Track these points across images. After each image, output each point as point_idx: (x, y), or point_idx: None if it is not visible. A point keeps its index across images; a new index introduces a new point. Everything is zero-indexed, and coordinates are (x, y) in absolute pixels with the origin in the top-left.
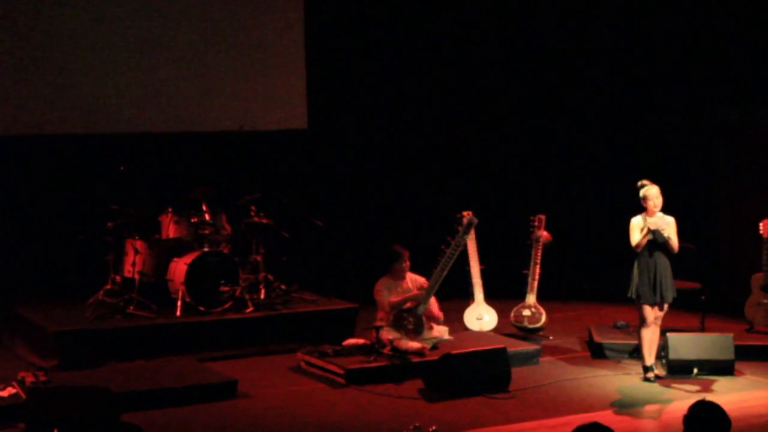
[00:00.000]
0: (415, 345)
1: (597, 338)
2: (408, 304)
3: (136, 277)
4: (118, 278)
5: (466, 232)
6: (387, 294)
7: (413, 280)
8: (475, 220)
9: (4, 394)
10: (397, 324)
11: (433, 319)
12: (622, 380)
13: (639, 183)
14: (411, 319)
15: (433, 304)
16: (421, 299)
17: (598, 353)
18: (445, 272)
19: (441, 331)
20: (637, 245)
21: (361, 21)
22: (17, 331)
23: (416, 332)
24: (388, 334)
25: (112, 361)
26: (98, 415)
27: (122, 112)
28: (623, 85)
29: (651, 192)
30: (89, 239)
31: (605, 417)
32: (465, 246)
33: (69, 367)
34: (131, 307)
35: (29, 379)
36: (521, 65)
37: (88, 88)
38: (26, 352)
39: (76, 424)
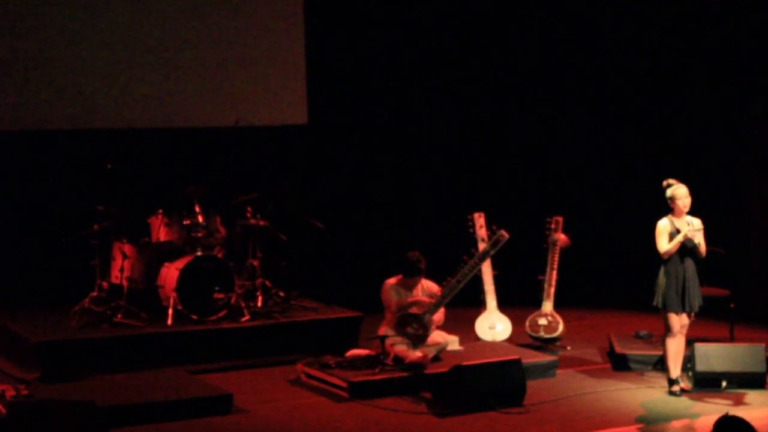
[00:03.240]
0: (416, 355)
1: (618, 349)
2: (415, 309)
3: (124, 283)
4: (104, 284)
5: (494, 248)
6: (395, 298)
7: (425, 288)
8: (506, 237)
9: None
10: (401, 328)
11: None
12: (645, 394)
13: (665, 182)
14: (416, 324)
15: (440, 314)
16: (430, 307)
17: (619, 365)
18: (462, 285)
19: (445, 338)
20: (667, 252)
21: (363, 11)
22: None
23: (420, 339)
24: (391, 342)
25: (98, 373)
26: (83, 430)
27: (110, 107)
28: (646, 79)
29: (679, 192)
30: (74, 242)
31: None
32: (477, 250)
33: (52, 380)
34: (119, 316)
35: (9, 392)
36: (534, 59)
37: (73, 82)
38: (6, 364)
39: None
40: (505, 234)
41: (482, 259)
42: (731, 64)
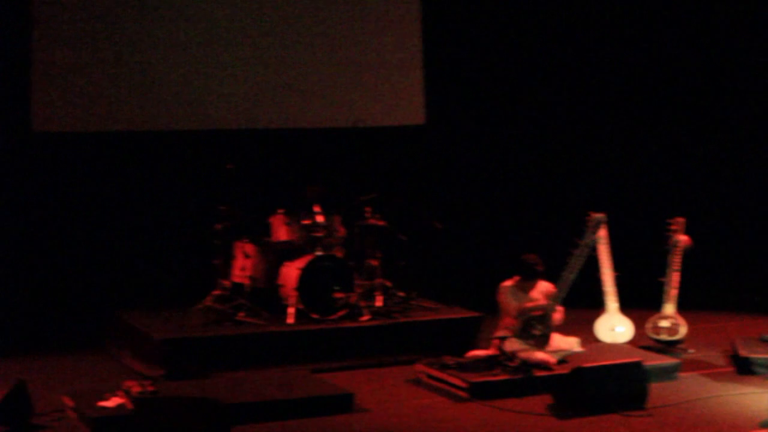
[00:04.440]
0: (541, 356)
1: (743, 352)
2: (536, 312)
3: (246, 282)
4: (226, 283)
5: (594, 232)
6: (513, 302)
7: (542, 289)
8: (604, 219)
9: (110, 404)
10: (525, 332)
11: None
12: None
13: None
14: (539, 326)
15: (559, 312)
16: (549, 308)
17: (744, 369)
18: (573, 276)
19: (570, 344)
20: None
21: (481, 8)
22: (121, 338)
23: (543, 341)
24: (513, 345)
25: (221, 370)
26: (207, 427)
27: (232, 108)
28: None
29: None
30: (196, 242)
31: None
32: (596, 251)
33: (176, 377)
34: (241, 314)
35: (136, 389)
36: (657, 57)
37: (196, 84)
38: (131, 361)
39: None
40: (600, 215)
41: (587, 245)
42: None
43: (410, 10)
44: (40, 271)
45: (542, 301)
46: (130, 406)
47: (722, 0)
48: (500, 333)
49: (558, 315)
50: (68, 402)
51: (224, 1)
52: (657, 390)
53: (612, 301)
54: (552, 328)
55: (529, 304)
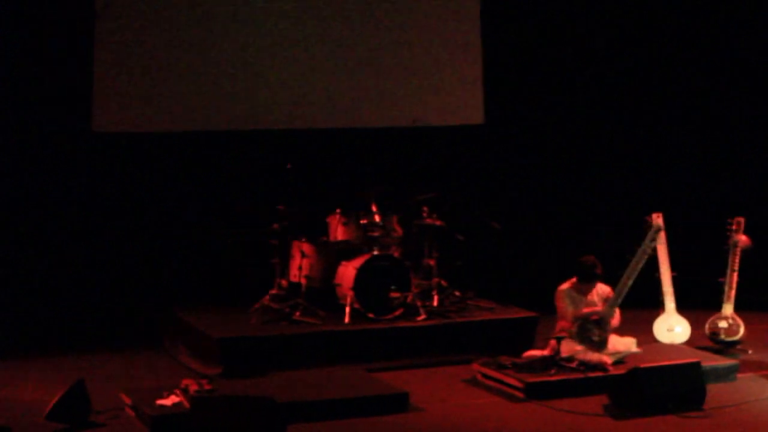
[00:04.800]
0: (598, 357)
1: None
2: (594, 316)
3: (303, 281)
4: (284, 283)
5: (653, 239)
6: (570, 305)
7: (599, 292)
8: (662, 225)
9: (168, 402)
10: (582, 336)
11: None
12: None
13: None
14: (596, 331)
15: (616, 317)
16: (606, 312)
17: None
18: (631, 281)
19: (628, 345)
20: None
21: (540, 7)
22: (179, 336)
23: (601, 345)
24: (570, 346)
25: (277, 369)
26: (263, 426)
27: (290, 108)
28: None
29: None
30: (254, 241)
31: None
32: (654, 251)
33: (233, 376)
34: (297, 313)
35: (193, 387)
36: (716, 57)
37: (255, 84)
38: (189, 359)
39: None
40: (659, 221)
41: (645, 251)
42: None
43: (470, 9)
44: (100, 270)
45: (599, 305)
46: (187, 404)
47: None
48: (557, 333)
49: (615, 319)
50: (126, 400)
51: (283, 3)
52: (715, 391)
53: (670, 302)
54: (609, 332)
55: (587, 310)
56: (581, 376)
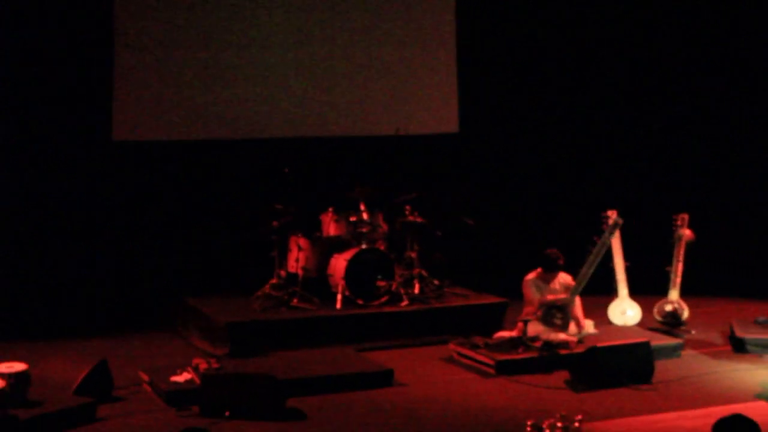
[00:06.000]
0: (563, 337)
1: (739, 333)
2: (556, 303)
3: (299, 272)
4: (282, 273)
5: (612, 233)
6: (536, 292)
7: (561, 281)
8: (621, 221)
9: (180, 379)
10: (546, 319)
11: (575, 320)
12: (764, 374)
13: None
14: (559, 314)
15: (578, 306)
16: (568, 300)
17: (739, 348)
18: (591, 271)
19: (587, 326)
20: None
21: (510, 31)
22: (191, 321)
23: (563, 328)
24: (536, 328)
25: (278, 350)
26: (265, 400)
27: (287, 118)
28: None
29: None
30: (256, 236)
31: (747, 409)
32: (609, 244)
33: (238, 356)
34: (295, 300)
35: (203, 366)
36: (667, 66)
37: (258, 98)
38: (199, 341)
39: (246, 408)
40: (617, 217)
41: (604, 244)
42: None
43: (446, 32)
44: (120, 263)
45: (562, 293)
46: (197, 381)
47: None
48: (524, 317)
49: (578, 311)
50: (144, 377)
51: (284, 27)
52: (662, 367)
53: (623, 288)
54: (570, 318)
55: (550, 297)
56: (545, 354)
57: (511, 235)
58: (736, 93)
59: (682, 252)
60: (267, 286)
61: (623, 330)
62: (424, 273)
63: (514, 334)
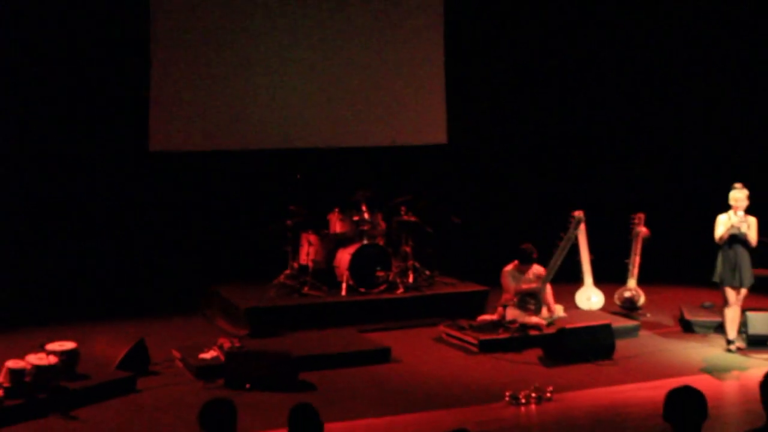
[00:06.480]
0: (535, 320)
1: (687, 316)
2: (530, 291)
3: (310, 264)
4: (295, 265)
5: (576, 228)
6: (512, 281)
7: (535, 271)
8: (583, 218)
9: (208, 356)
10: (522, 304)
11: (547, 305)
12: (708, 351)
13: (733, 185)
14: (533, 301)
15: (549, 292)
16: (540, 288)
17: (688, 328)
18: (559, 262)
19: (557, 310)
20: (720, 238)
21: (491, 60)
22: (216, 306)
23: (536, 311)
24: (513, 312)
25: (291, 331)
26: (281, 373)
27: (300, 132)
28: (719, 101)
29: (734, 194)
30: (273, 233)
31: (694, 381)
32: (576, 239)
33: (258, 336)
34: (306, 288)
35: (227, 344)
36: (627, 78)
37: (275, 113)
38: (224, 324)
39: (264, 381)
40: (580, 215)
41: (569, 239)
42: None
43: (435, 53)
44: (156, 256)
45: (535, 283)
46: (222, 357)
47: None
48: (503, 303)
49: (549, 296)
50: (176, 354)
51: (303, 57)
52: (622, 345)
53: (588, 277)
54: (542, 303)
55: (525, 285)
56: (521, 334)
57: (492, 232)
58: (679, 110)
59: (638, 246)
60: (282, 276)
61: (588, 313)
62: (417, 265)
63: (494, 317)
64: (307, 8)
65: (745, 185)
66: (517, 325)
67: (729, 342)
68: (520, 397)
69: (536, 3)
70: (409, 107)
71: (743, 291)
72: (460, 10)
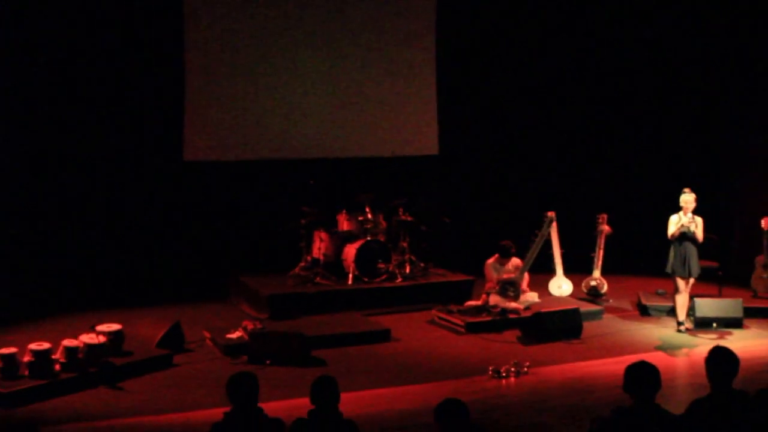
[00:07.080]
0: (514, 305)
1: (644, 301)
2: (510, 280)
3: (321, 257)
4: (309, 258)
5: (548, 226)
6: (494, 272)
7: (514, 263)
8: (554, 218)
9: (234, 336)
10: (503, 291)
11: (523, 292)
12: (661, 331)
13: (683, 190)
14: (512, 289)
15: (525, 279)
16: (518, 278)
17: (644, 312)
18: (534, 255)
19: (533, 297)
20: (672, 235)
21: (479, 79)
22: (240, 293)
23: (515, 298)
24: (495, 298)
25: (305, 315)
26: (296, 351)
27: (313, 143)
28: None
29: (684, 197)
30: (289, 231)
31: (650, 357)
32: (549, 235)
33: (277, 319)
34: (318, 278)
35: (250, 326)
36: (601, 86)
37: (292, 127)
38: (247, 308)
39: (282, 357)
40: (552, 215)
41: (543, 235)
42: (729, 107)
43: (427, 72)
44: (188, 250)
45: (513, 273)
46: (246, 337)
47: None
48: (486, 290)
49: (525, 284)
50: (207, 334)
51: (321, 76)
52: (588, 326)
53: (559, 268)
54: (520, 290)
55: (505, 276)
56: (502, 318)
57: (477, 230)
58: (639, 128)
59: (602, 242)
60: (297, 268)
61: (559, 299)
62: (413, 258)
63: (479, 303)
64: (326, 36)
65: (693, 190)
66: (498, 309)
67: (679, 324)
68: (502, 371)
69: (521, 18)
70: (407, 124)
71: (691, 280)
72: (451, 39)
